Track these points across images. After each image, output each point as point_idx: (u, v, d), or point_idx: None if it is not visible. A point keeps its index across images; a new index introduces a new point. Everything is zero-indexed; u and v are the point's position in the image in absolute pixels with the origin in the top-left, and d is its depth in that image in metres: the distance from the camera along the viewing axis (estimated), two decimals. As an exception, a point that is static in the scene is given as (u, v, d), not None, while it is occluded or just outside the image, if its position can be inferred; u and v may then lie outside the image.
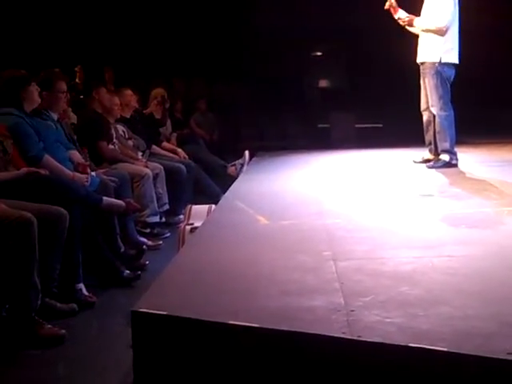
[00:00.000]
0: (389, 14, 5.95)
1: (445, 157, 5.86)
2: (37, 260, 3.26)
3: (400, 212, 4.05)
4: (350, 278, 2.65)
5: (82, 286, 3.78)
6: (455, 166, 5.84)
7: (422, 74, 5.95)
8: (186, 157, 6.77)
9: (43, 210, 3.45)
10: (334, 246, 3.20)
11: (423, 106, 6.03)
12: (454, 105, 5.82)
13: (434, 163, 5.90)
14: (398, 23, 5.97)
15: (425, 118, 6.06)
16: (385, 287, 2.50)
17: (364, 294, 2.42)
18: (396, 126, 7.77)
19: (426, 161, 6.07)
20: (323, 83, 11.53)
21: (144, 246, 4.80)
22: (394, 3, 5.92)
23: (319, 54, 11.59)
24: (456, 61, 5.82)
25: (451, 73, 5.81)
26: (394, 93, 8.88)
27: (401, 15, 5.91)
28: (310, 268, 2.83)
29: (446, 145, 5.84)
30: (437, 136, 5.90)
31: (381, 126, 10.20)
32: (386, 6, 5.94)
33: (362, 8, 8.77)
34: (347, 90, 10.73)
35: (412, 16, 5.88)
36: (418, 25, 5.85)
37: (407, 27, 5.98)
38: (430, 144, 6.08)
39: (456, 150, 5.92)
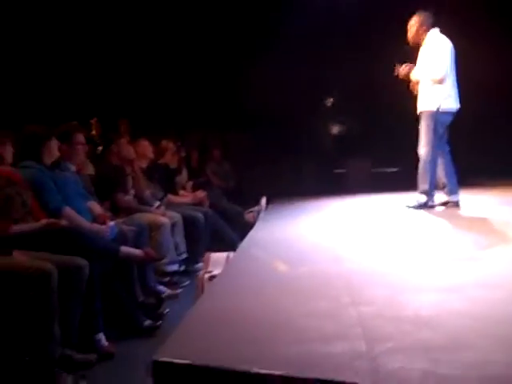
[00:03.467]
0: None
1: (422, 198, 6.01)
2: (57, 311, 3.27)
3: (417, 256, 4.02)
4: (370, 324, 2.62)
5: (101, 336, 3.77)
6: (432, 207, 6.01)
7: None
8: (205, 199, 6.82)
9: (63, 260, 3.48)
10: (353, 292, 3.18)
11: None
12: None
13: (411, 204, 6.07)
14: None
15: None
16: (406, 332, 2.47)
17: (386, 339, 2.39)
18: (413, 169, 7.79)
19: (444, 204, 6.08)
20: (337, 129, 11.61)
21: (163, 295, 4.80)
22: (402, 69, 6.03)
23: (331, 100, 11.68)
24: (454, 106, 5.94)
25: (447, 119, 5.95)
26: (408, 136, 8.91)
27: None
28: (330, 314, 2.81)
29: (426, 187, 5.98)
30: (418, 176, 6.03)
31: (397, 170, 10.22)
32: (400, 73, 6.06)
33: (375, 56, 8.90)
34: (363, 135, 10.78)
35: (411, 66, 6.00)
36: (415, 76, 5.99)
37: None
38: (444, 187, 6.10)
39: (434, 192, 6.06)
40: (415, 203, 6.04)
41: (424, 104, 5.97)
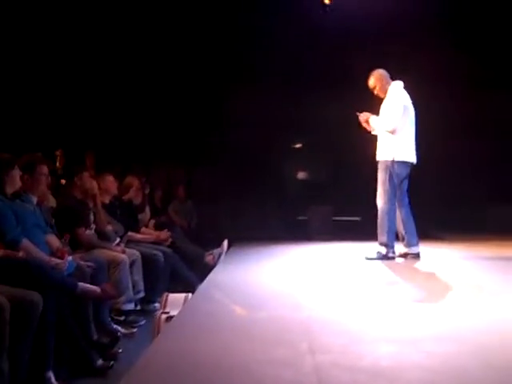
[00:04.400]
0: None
1: (382, 249, 6.07)
2: (6, 346, 3.17)
3: (375, 306, 4.03)
4: (327, 373, 2.61)
5: (51, 374, 3.66)
6: (392, 258, 6.05)
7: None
8: (168, 238, 6.75)
9: (17, 294, 3.40)
10: (311, 339, 3.17)
11: None
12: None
13: (371, 255, 6.09)
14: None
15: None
16: (363, 383, 2.46)
17: (342, 389, 2.38)
18: (373, 219, 7.88)
19: (404, 255, 6.12)
20: (302, 175, 11.71)
21: (118, 334, 4.70)
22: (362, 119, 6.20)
23: (299, 145, 11.81)
24: (410, 159, 6.08)
25: (403, 170, 6.06)
26: (371, 186, 9.04)
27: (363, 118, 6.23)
28: (287, 361, 2.79)
29: (384, 238, 6.05)
30: (378, 228, 6.09)
31: (358, 219, 10.30)
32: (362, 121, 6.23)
33: (342, 101, 9.04)
34: (326, 182, 10.90)
35: (369, 114, 6.18)
36: (373, 124, 6.17)
37: (366, 126, 6.25)
38: (403, 239, 6.16)
39: (394, 243, 6.10)
40: (375, 254, 6.07)
41: (380, 154, 6.12)
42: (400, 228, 6.15)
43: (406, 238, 6.13)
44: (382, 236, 6.06)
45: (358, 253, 6.59)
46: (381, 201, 6.04)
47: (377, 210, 6.10)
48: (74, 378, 3.88)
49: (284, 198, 10.64)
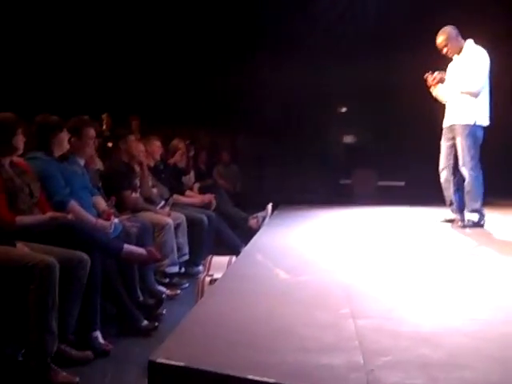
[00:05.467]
0: (424, 80, 5.91)
1: (474, 216, 5.81)
2: (56, 305, 3.26)
3: (420, 271, 4.01)
4: (369, 337, 2.62)
5: (98, 333, 3.76)
6: (482, 226, 5.80)
7: (446, 135, 5.94)
8: (213, 201, 6.80)
9: (65, 254, 3.47)
10: (353, 303, 3.17)
11: (442, 165, 6.00)
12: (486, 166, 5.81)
13: (464, 223, 5.85)
14: (426, 84, 5.91)
15: (443, 177, 6.01)
16: (405, 348, 2.46)
17: (383, 353, 2.38)
18: (418, 184, 7.74)
19: (449, 221, 6.03)
20: (347, 139, 11.60)
21: (163, 296, 4.79)
22: (439, 77, 5.82)
23: (344, 110, 11.69)
24: (487, 122, 5.76)
25: (481, 135, 5.76)
26: (417, 151, 8.90)
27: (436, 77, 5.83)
28: (329, 325, 2.80)
29: (477, 205, 5.79)
30: (466, 196, 5.83)
31: (403, 184, 10.19)
32: (432, 81, 5.85)
33: (388, 66, 8.88)
34: (371, 147, 10.77)
35: (442, 72, 5.83)
36: (449, 87, 5.80)
37: (434, 90, 5.92)
38: (451, 204, 6.04)
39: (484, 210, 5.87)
40: (467, 222, 5.82)
41: (460, 117, 5.75)
42: (450, 193, 6.00)
43: (455, 203, 5.99)
44: (475, 203, 5.77)
45: (403, 218, 6.53)
46: (466, 168, 5.72)
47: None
48: (120, 338, 3.98)
49: (329, 162, 10.57)
